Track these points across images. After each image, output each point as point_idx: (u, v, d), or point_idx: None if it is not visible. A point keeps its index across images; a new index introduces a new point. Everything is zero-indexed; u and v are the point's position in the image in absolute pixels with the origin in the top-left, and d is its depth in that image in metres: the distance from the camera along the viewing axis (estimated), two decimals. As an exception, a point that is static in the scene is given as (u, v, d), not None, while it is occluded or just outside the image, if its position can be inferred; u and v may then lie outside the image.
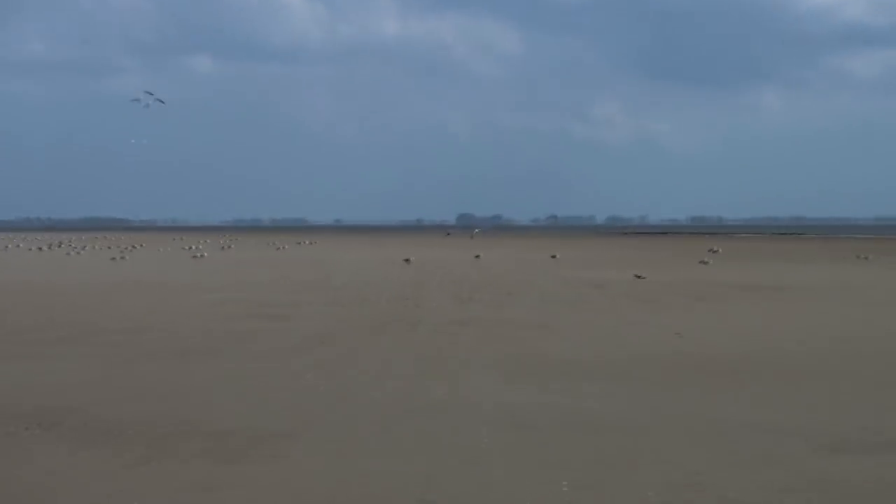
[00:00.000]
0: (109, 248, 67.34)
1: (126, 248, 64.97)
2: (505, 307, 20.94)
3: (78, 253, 57.09)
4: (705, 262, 40.73)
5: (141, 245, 72.14)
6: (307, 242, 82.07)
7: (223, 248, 67.85)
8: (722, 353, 13.77)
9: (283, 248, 66.28)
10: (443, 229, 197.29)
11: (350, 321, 18.03)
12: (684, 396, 10.46)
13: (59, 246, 72.70)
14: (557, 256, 47.57)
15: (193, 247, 67.07)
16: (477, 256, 47.40)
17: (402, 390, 10.81)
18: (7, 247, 70.19)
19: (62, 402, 10.09)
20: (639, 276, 31.11)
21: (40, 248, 65.62)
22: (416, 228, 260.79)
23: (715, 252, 53.18)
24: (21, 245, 74.16)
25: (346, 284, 28.30)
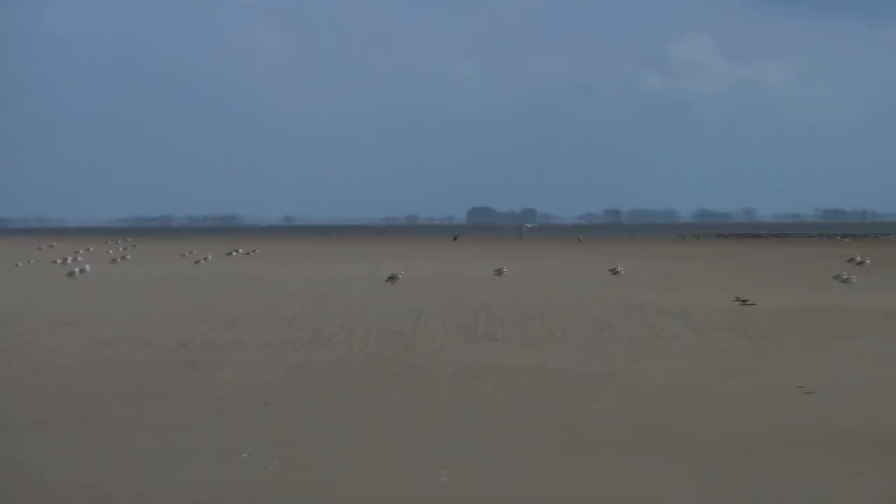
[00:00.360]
0: (-56, 261, 67.62)
1: (-31, 262, 65.20)
2: (540, 349, 20.96)
3: None
4: (844, 280, 40.69)
5: (-9, 256, 72.41)
6: (242, 252, 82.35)
7: (115, 260, 68.13)
8: (873, 419, 13.70)
9: (205, 259, 66.53)
10: (448, 231, 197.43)
11: (306, 372, 18.05)
12: (814, 486, 10.39)
13: None
14: (620, 271, 47.67)
15: (69, 258, 67.35)
16: (498, 272, 47.54)
17: (387, 478, 10.77)
18: None
19: None
20: (743, 301, 31.08)
21: None
22: (409, 230, 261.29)
23: (859, 264, 53.15)
24: None
25: (301, 316, 28.34)
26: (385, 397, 15.38)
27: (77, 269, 51.23)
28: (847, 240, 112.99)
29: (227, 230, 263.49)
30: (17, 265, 62.62)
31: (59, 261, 66.45)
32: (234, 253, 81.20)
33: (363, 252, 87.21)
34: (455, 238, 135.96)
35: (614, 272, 47.54)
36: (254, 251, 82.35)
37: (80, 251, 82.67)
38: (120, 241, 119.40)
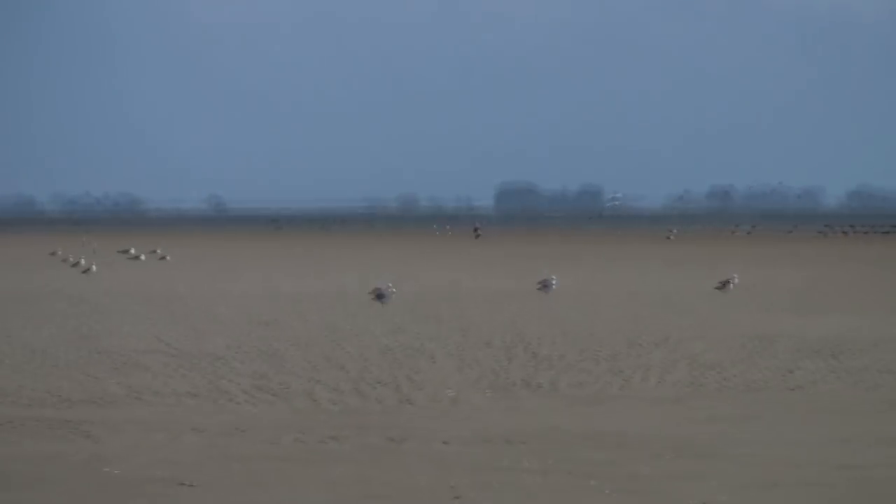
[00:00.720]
0: None
1: None
2: (609, 404, 20.89)
3: None
4: None
5: None
6: (146, 254, 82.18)
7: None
8: None
9: (90, 268, 66.49)
10: (466, 222, 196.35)
11: (243, 438, 17.99)
12: None
13: None
14: (733, 283, 47.37)
15: None
16: (544, 284, 47.20)
17: None
18: None
19: None
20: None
21: None
22: (405, 220, 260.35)
23: None
24: None
25: (236, 352, 28.35)
26: (365, 478, 15.26)
27: None
28: None
29: (122, 221, 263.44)
30: None
31: None
32: (136, 255, 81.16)
33: (333, 254, 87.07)
34: (476, 232, 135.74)
35: (724, 285, 47.23)
36: (165, 256, 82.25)
37: None
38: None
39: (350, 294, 45.26)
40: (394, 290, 43.07)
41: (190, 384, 23.35)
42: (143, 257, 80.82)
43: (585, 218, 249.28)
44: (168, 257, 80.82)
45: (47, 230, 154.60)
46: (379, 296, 41.76)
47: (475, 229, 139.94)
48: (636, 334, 31.42)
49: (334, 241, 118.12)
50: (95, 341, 30.70)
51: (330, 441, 17.75)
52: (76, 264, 66.90)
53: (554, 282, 47.65)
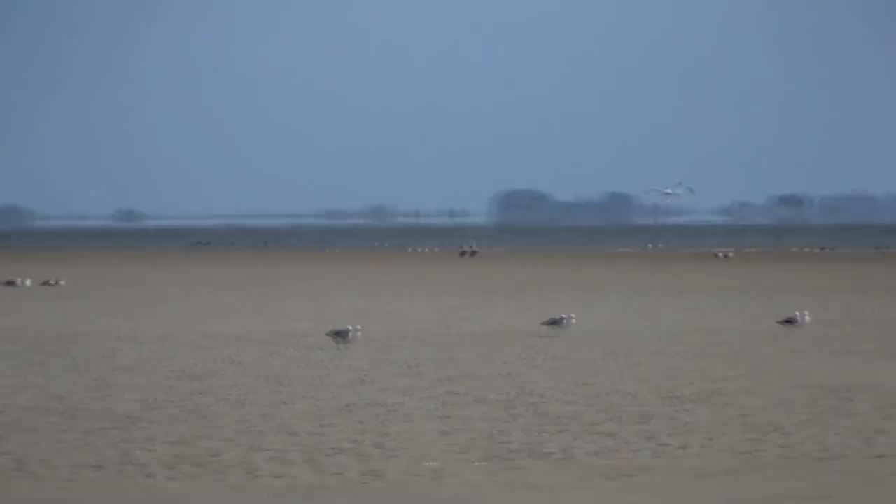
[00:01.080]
0: None
1: None
2: (642, 479, 20.92)
3: None
4: None
5: None
6: (30, 283, 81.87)
7: None
8: None
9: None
10: (454, 239, 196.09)
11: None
12: None
13: None
14: (802, 319, 47.24)
15: None
16: (555, 322, 47.11)
17: None
18: None
19: None
20: None
21: None
22: (371, 234, 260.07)
23: None
24: None
25: (148, 413, 28.44)
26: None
27: None
28: None
29: (3, 236, 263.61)
30: None
31: None
32: (12, 280, 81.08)
33: (277, 282, 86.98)
34: (471, 252, 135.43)
35: (789, 322, 47.18)
36: (57, 282, 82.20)
37: None
38: None
39: (299, 335, 45.27)
40: (359, 328, 43.01)
41: (92, 453, 23.28)
42: (28, 282, 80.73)
43: (611, 233, 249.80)
44: (62, 282, 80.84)
45: None
46: (338, 335, 41.42)
47: (472, 251, 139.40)
48: (674, 386, 31.50)
49: (279, 266, 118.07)
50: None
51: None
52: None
53: (571, 319, 47.49)
